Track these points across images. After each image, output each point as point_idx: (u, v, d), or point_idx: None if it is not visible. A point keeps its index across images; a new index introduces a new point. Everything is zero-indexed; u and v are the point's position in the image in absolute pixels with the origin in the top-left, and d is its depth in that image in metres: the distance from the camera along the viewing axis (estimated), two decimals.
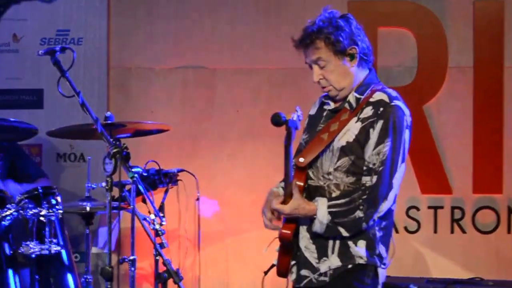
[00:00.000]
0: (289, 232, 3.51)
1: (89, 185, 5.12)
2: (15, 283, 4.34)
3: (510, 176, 5.84)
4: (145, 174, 4.91)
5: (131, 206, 4.39)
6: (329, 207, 3.40)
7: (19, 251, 4.41)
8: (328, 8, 3.61)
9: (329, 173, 3.53)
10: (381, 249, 3.56)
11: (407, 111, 3.52)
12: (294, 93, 5.60)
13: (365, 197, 3.41)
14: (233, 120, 5.89)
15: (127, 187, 4.57)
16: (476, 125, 5.87)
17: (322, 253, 3.53)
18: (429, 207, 5.91)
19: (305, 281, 3.57)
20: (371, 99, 3.51)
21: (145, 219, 4.60)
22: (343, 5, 5.90)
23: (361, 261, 3.49)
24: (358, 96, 3.55)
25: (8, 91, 6.02)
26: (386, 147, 3.43)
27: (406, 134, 3.51)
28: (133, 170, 4.21)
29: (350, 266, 3.49)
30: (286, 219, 3.53)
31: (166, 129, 4.96)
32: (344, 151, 3.48)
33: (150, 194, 4.63)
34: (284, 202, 3.44)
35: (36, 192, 4.50)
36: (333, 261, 3.50)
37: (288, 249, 3.58)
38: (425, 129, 5.84)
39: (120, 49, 6.10)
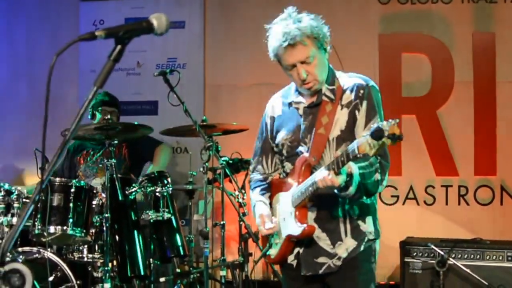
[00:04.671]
0: (315, 225, 2.87)
1: (191, 172, 5.14)
2: (139, 240, 4.37)
3: (502, 163, 5.70)
4: (231, 161, 4.91)
5: (221, 185, 4.38)
6: (358, 168, 2.69)
7: (141, 217, 4.45)
8: (293, 8, 2.89)
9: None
10: (377, 219, 3.00)
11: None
12: None
13: (379, 160, 2.78)
14: None
15: (218, 171, 4.57)
16: (476, 124, 5.74)
17: (335, 239, 2.88)
18: (442, 186, 5.77)
19: (323, 268, 2.89)
20: (345, 86, 2.90)
21: (231, 194, 4.60)
22: (375, 36, 5.87)
23: (370, 237, 2.92)
24: (330, 87, 2.91)
25: (133, 103, 6.09)
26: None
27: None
28: (222, 159, 4.21)
29: (362, 247, 2.89)
30: (298, 219, 2.85)
31: (246, 128, 4.94)
32: (340, 139, 2.85)
33: (234, 176, 4.61)
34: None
35: (153, 175, 4.52)
36: (349, 243, 2.88)
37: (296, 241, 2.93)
38: (438, 128, 5.74)
39: (213, 72, 6.12)
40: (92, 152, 5.13)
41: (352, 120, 2.85)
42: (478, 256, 4.70)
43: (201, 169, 4.15)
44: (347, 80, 2.93)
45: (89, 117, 5.10)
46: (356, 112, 2.85)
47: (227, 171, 4.31)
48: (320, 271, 2.89)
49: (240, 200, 4.59)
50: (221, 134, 4.93)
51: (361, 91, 2.87)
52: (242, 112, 5.93)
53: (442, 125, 5.74)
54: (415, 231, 5.31)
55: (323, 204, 2.88)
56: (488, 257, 4.68)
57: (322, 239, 2.89)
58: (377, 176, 2.77)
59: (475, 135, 5.72)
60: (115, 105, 5.14)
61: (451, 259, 4.67)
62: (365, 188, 2.74)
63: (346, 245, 2.88)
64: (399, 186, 5.79)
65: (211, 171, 4.73)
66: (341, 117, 2.86)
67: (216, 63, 6.10)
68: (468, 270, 4.62)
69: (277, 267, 4.54)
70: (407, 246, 4.88)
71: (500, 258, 4.65)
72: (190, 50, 6.11)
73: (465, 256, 4.72)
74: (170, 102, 4.22)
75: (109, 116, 4.61)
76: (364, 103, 2.85)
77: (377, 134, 2.35)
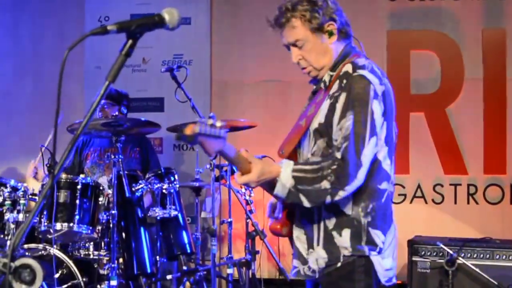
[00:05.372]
0: (278, 227, 2.66)
1: (198, 169, 5.14)
2: (145, 237, 4.38)
3: None
4: None
5: (228, 182, 4.39)
6: (293, 170, 2.39)
7: (148, 214, 4.45)
8: None
9: (307, 159, 2.58)
10: (373, 235, 2.51)
11: (375, 80, 2.47)
12: None
13: (334, 167, 2.37)
14: None
15: (225, 168, 4.58)
16: (485, 122, 5.74)
17: (310, 244, 2.57)
18: (451, 184, 5.76)
19: (295, 271, 2.66)
20: (340, 73, 2.54)
21: (238, 192, 4.60)
22: (383, 33, 5.87)
23: (346, 253, 2.50)
24: (331, 73, 2.58)
25: (139, 99, 6.08)
26: (348, 121, 2.41)
27: (375, 105, 2.43)
28: None
29: (339, 264, 2.51)
30: (284, 214, 2.66)
31: (253, 125, 4.94)
32: (317, 133, 2.54)
33: None
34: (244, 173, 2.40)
35: (160, 172, 4.53)
36: (320, 253, 2.54)
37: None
38: (447, 126, 5.73)
39: (220, 68, 6.12)
40: (100, 150, 5.13)
41: (331, 113, 2.49)
42: (488, 256, 4.69)
43: (208, 166, 4.15)
44: (346, 66, 2.56)
45: None
46: (337, 105, 2.47)
47: (234, 168, 4.31)
48: (291, 274, 2.67)
49: (247, 197, 4.59)
50: (229, 131, 4.92)
51: (344, 81, 2.50)
52: (249, 108, 5.93)
53: (451, 123, 5.73)
54: (423, 230, 5.31)
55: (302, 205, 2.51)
56: (497, 257, 4.67)
57: (301, 242, 2.62)
58: (325, 184, 2.37)
59: (485, 133, 5.71)
60: (112, 98, 5.06)
61: (460, 258, 4.67)
62: (305, 194, 2.40)
63: (317, 255, 2.55)
64: (407, 185, 5.79)
65: (218, 168, 4.72)
66: (323, 108, 2.53)
67: (222, 59, 6.10)
68: (477, 270, 4.61)
69: (283, 265, 4.54)
70: (415, 245, 4.87)
71: (510, 257, 4.64)
72: (196, 46, 6.11)
73: (475, 256, 4.70)
74: (177, 99, 4.22)
75: (116, 113, 4.61)
76: (343, 96, 2.47)
77: (178, 135, 2.21)
